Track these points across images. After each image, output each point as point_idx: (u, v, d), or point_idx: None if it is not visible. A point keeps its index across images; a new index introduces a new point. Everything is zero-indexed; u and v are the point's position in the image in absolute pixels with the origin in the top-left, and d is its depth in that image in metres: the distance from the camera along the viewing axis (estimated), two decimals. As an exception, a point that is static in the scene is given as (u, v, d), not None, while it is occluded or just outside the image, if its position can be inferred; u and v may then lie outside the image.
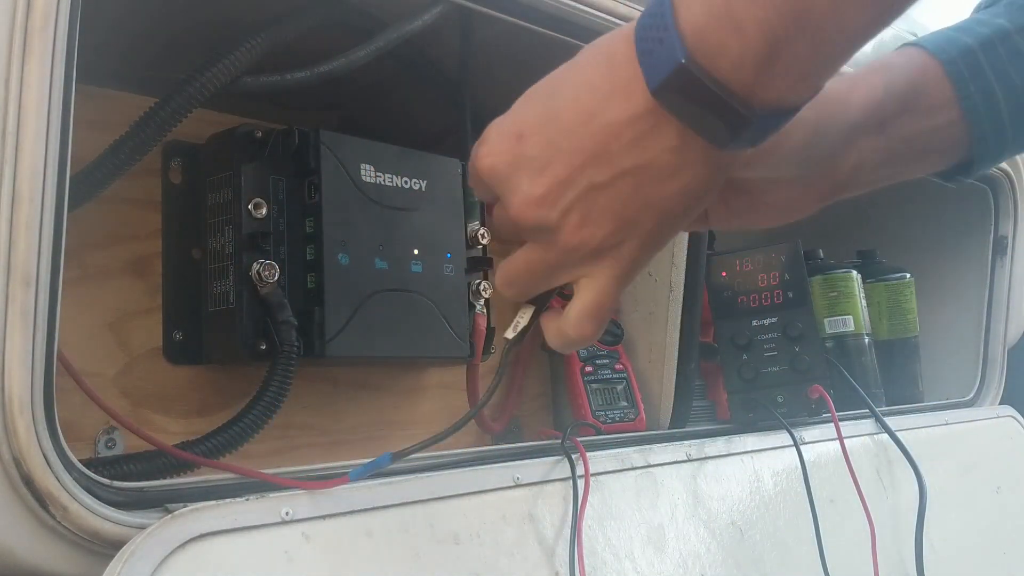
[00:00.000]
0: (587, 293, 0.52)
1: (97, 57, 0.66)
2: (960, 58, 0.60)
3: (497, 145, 0.50)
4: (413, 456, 0.73)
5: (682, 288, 1.03)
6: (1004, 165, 1.46)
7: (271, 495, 0.61)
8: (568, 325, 0.54)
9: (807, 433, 1.06)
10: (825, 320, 1.28)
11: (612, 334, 1.06)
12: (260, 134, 0.80)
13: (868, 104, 0.57)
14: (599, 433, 0.98)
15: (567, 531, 0.76)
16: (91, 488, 0.56)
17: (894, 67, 0.60)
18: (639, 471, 0.86)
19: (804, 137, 0.55)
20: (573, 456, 0.80)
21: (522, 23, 0.79)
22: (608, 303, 0.53)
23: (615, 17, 0.82)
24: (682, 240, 1.03)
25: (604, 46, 0.48)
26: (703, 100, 0.44)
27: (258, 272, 0.77)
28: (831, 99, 0.56)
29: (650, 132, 0.46)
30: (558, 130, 0.48)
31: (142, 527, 0.55)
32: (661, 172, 0.47)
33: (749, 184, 0.57)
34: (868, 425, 1.17)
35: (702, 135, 0.46)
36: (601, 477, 0.82)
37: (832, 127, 0.56)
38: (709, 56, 0.44)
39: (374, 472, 0.63)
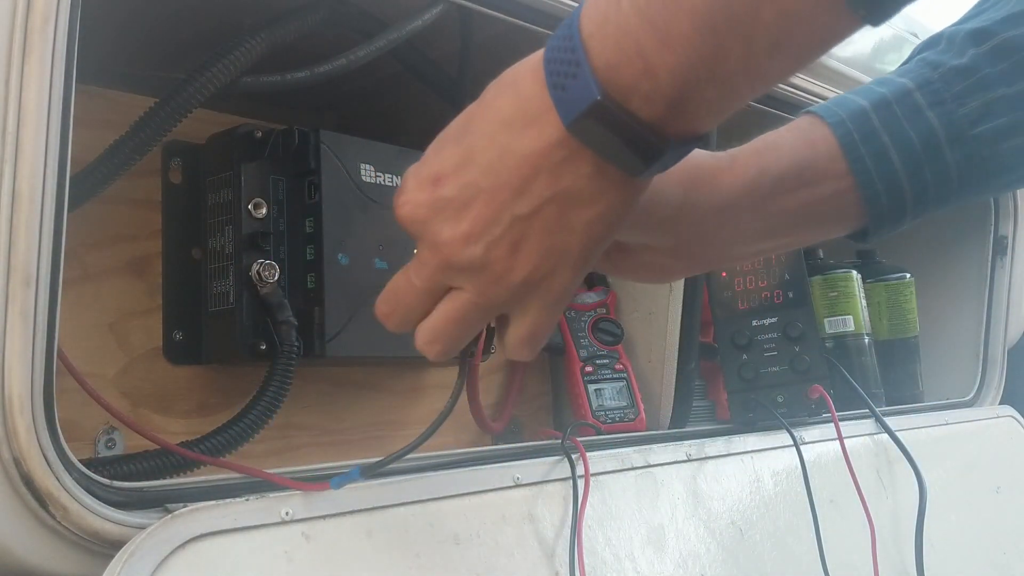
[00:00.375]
0: (521, 324, 0.53)
1: (104, 59, 0.66)
2: (850, 119, 0.60)
3: (415, 192, 0.50)
4: (413, 456, 0.74)
5: (682, 288, 1.03)
6: (1004, 165, 1.46)
7: (271, 495, 0.61)
8: (505, 351, 0.54)
9: (807, 433, 1.06)
10: (825, 320, 1.28)
11: (612, 334, 1.06)
12: (260, 134, 0.80)
13: (738, 187, 0.58)
14: (599, 433, 0.98)
15: (567, 531, 0.76)
16: (91, 488, 0.56)
17: (780, 147, 0.60)
18: (639, 471, 0.86)
19: (671, 213, 0.56)
20: (573, 456, 0.80)
21: (522, 23, 0.79)
22: (543, 332, 0.53)
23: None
24: (682, 240, 1.03)
25: (509, 81, 0.49)
26: (617, 133, 0.45)
27: (258, 272, 0.77)
28: (702, 179, 0.57)
29: (566, 161, 0.47)
30: (475, 169, 0.48)
31: (142, 527, 0.55)
32: (581, 198, 0.48)
33: (628, 245, 0.59)
34: (868, 425, 1.17)
35: (616, 164, 0.47)
36: (601, 477, 0.82)
37: (701, 205, 0.57)
38: (621, 93, 0.44)
39: (352, 482, 0.62)
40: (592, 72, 0.44)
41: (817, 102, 1.10)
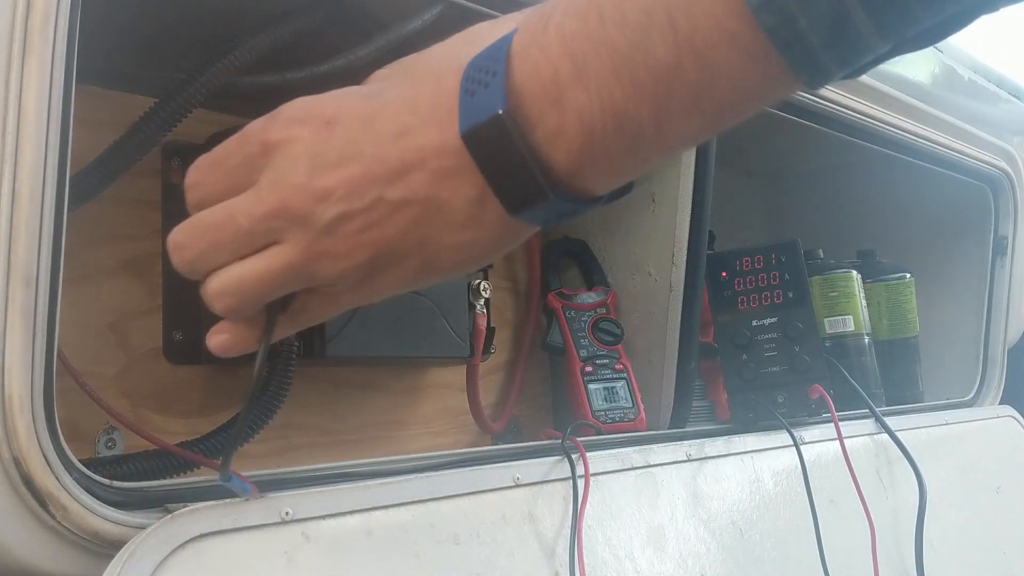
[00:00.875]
0: (312, 305, 0.49)
1: (104, 59, 0.66)
2: None
3: (298, 125, 0.46)
4: (414, 456, 0.74)
5: (682, 288, 1.03)
6: (1003, 164, 1.47)
7: (271, 495, 0.61)
8: (287, 320, 0.50)
9: (807, 433, 1.06)
10: (825, 320, 1.29)
11: (612, 334, 1.06)
12: (260, 134, 0.80)
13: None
14: (599, 433, 0.98)
15: (567, 531, 0.76)
16: (91, 488, 0.56)
17: None
18: (639, 471, 0.86)
19: None
20: (573, 456, 0.80)
21: (522, 23, 0.79)
22: (312, 322, 0.50)
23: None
24: (682, 240, 1.03)
25: (439, 68, 0.46)
26: (507, 159, 0.42)
27: (258, 272, 0.77)
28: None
29: (453, 172, 0.44)
30: (367, 133, 0.45)
31: (142, 527, 0.55)
32: (451, 218, 0.45)
33: None
34: (868, 425, 1.17)
35: (497, 194, 0.44)
36: (601, 477, 0.82)
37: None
38: (527, 120, 0.42)
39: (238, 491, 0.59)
40: (504, 87, 0.42)
41: (817, 104, 1.10)
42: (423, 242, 0.45)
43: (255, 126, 0.48)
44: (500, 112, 0.42)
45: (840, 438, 1.04)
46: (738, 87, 0.39)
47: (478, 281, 0.92)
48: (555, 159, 0.42)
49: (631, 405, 1.04)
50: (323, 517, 0.62)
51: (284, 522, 0.60)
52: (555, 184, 0.43)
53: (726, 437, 0.99)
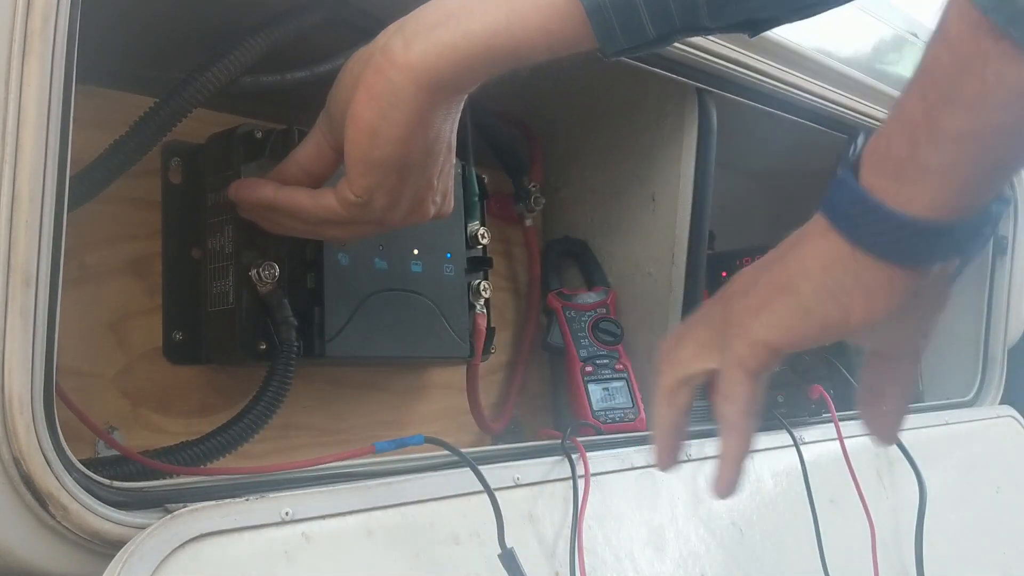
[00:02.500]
0: None
1: (103, 58, 0.66)
2: None
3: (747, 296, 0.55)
4: (414, 456, 0.74)
5: (682, 288, 1.03)
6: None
7: (271, 495, 0.61)
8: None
9: (807, 433, 1.06)
10: (825, 320, 1.28)
11: (612, 334, 1.06)
12: (260, 134, 0.80)
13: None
14: (599, 433, 0.98)
15: (567, 531, 0.76)
16: (91, 488, 0.56)
17: None
18: (639, 471, 0.86)
19: None
20: (573, 456, 0.80)
21: (522, 23, 0.78)
22: None
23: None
24: (682, 240, 1.03)
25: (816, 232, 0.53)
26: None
27: (257, 272, 0.77)
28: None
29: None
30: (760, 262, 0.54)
31: (142, 527, 0.55)
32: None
33: None
34: (868, 425, 1.17)
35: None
36: (601, 477, 0.82)
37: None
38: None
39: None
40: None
41: (817, 104, 1.10)
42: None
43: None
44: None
45: (840, 438, 1.04)
46: None
47: (478, 281, 0.92)
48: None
49: (631, 405, 1.04)
50: (323, 517, 0.62)
51: (284, 522, 0.60)
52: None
53: (726, 437, 0.99)
